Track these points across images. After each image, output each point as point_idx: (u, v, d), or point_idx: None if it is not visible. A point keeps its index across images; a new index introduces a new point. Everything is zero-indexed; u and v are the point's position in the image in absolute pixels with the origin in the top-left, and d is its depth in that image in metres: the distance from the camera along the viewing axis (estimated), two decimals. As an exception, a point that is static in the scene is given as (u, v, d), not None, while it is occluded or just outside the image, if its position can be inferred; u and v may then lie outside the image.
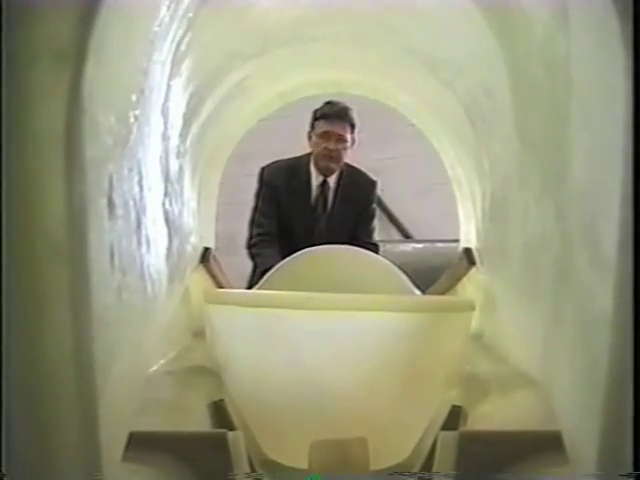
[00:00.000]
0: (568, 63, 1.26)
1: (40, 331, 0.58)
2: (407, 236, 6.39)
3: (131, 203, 1.35)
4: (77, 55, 0.62)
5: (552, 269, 1.39)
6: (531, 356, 1.70)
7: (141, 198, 1.45)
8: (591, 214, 1.09)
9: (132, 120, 1.35)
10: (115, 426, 1.24)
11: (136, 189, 1.40)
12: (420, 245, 5.66)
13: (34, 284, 0.59)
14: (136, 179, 1.40)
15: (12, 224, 0.58)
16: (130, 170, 1.34)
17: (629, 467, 0.75)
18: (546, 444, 1.37)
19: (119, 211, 1.18)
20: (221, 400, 2.12)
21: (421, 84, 2.53)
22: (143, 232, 1.48)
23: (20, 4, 0.58)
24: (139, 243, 1.44)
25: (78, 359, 0.61)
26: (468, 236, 2.59)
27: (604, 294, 0.95)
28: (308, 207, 3.81)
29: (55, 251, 0.59)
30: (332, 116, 3.64)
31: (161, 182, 1.84)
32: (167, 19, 1.57)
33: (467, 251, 2.52)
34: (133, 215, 1.37)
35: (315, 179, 3.80)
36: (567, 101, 1.28)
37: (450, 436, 1.54)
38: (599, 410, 0.99)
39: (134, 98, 1.38)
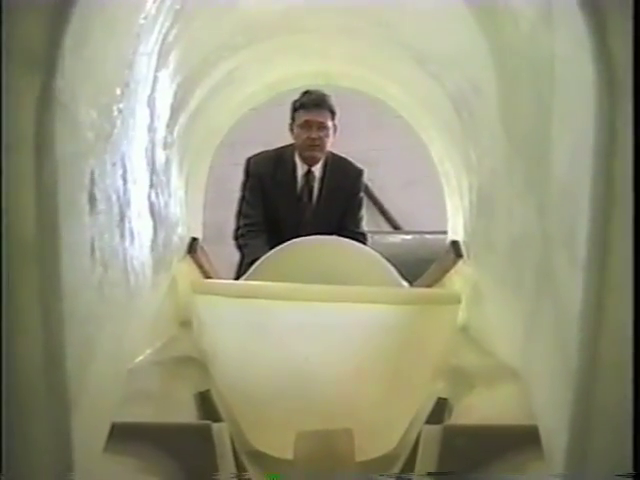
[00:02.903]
0: (551, 62, 1.26)
1: (10, 331, 0.59)
2: (396, 227, 6.39)
3: (114, 197, 1.34)
4: (49, 54, 0.62)
5: (534, 266, 1.40)
6: (513, 350, 1.71)
7: (125, 191, 1.45)
8: (571, 215, 1.10)
9: (116, 114, 1.35)
10: (96, 419, 1.24)
11: (120, 182, 1.40)
12: (409, 236, 5.65)
13: (4, 285, 0.59)
14: (120, 172, 1.40)
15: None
16: (114, 164, 1.34)
17: (603, 464, 0.75)
18: (527, 438, 1.38)
19: (101, 206, 1.18)
20: (207, 390, 2.12)
21: (409, 77, 2.53)
22: (127, 225, 1.48)
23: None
24: (122, 236, 1.44)
25: (49, 358, 0.61)
26: (455, 228, 2.60)
27: (579, 293, 0.96)
28: (294, 197, 3.82)
29: (26, 252, 0.59)
30: (310, 105, 3.65)
31: (147, 174, 1.83)
32: (153, 11, 1.56)
33: (454, 244, 2.53)
34: (116, 209, 1.37)
35: (300, 169, 3.80)
36: (550, 100, 1.28)
37: (433, 430, 1.55)
38: (569, 405, 1.00)
39: (119, 91, 1.38)
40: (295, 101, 3.72)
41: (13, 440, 0.59)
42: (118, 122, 1.36)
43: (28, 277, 0.60)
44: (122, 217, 1.43)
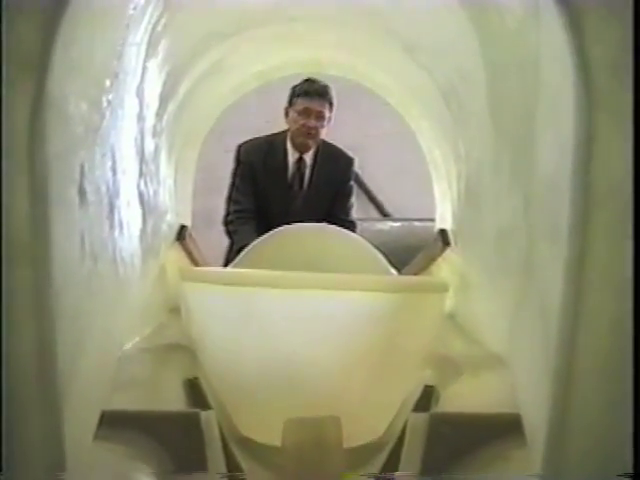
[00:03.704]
0: (537, 58, 1.28)
1: (2, 326, 0.60)
2: (385, 214, 6.38)
3: (104, 188, 1.35)
4: (42, 55, 0.63)
5: (520, 257, 1.41)
6: (499, 338, 1.73)
7: (114, 182, 1.45)
8: (554, 208, 1.11)
9: (105, 105, 1.35)
10: (86, 409, 1.25)
11: (109, 174, 1.40)
12: (397, 224, 5.65)
13: None
14: (109, 164, 1.41)
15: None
16: (103, 155, 1.34)
17: (583, 456, 0.77)
18: (511, 426, 1.40)
19: (90, 198, 1.18)
20: (196, 377, 2.13)
21: (399, 66, 2.54)
22: (116, 216, 1.49)
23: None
24: (112, 227, 1.45)
25: (41, 353, 0.62)
26: (443, 216, 2.61)
27: (560, 286, 0.98)
28: (285, 184, 3.82)
29: (18, 249, 0.60)
30: (313, 93, 3.64)
31: (136, 164, 1.84)
32: (142, 1, 1.56)
33: (442, 232, 2.54)
34: (106, 200, 1.38)
35: (291, 156, 3.80)
36: (535, 95, 1.29)
37: (420, 418, 1.56)
38: (550, 396, 1.02)
39: (108, 83, 1.38)
40: (295, 87, 3.70)
41: (8, 435, 0.61)
42: (107, 113, 1.37)
43: (20, 273, 0.61)
44: (112, 208, 1.44)
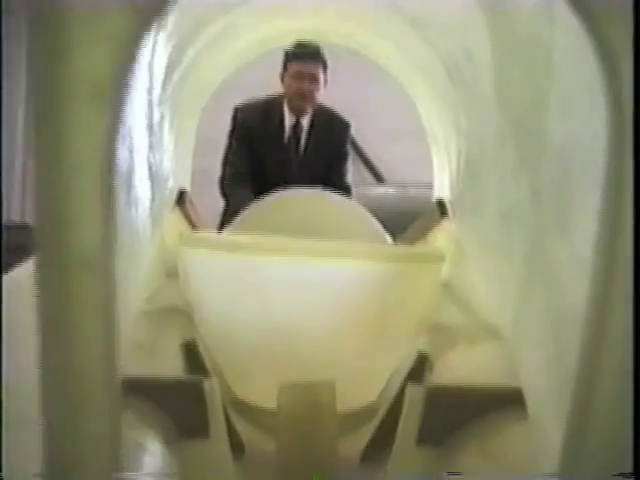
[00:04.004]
0: (551, 47, 1.29)
1: (70, 337, 0.63)
2: (380, 179, 6.36)
3: (124, 169, 1.37)
4: (118, 90, 0.64)
5: (526, 242, 1.44)
6: (500, 311, 1.75)
7: (131, 160, 1.47)
8: (566, 200, 1.14)
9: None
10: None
11: (127, 154, 1.42)
12: (392, 189, 5.66)
13: (66, 296, 0.63)
14: (127, 144, 1.42)
15: (46, 239, 0.62)
16: (123, 139, 1.36)
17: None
18: (508, 399, 1.44)
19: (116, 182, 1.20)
20: (194, 340, 2.17)
21: (402, 38, 2.53)
22: (132, 194, 1.51)
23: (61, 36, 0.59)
24: (128, 205, 1.47)
25: (106, 362, 0.66)
26: (442, 188, 2.64)
27: (576, 286, 1.01)
28: (281, 148, 3.83)
29: (87, 263, 0.62)
30: (305, 56, 3.63)
31: (146, 137, 1.85)
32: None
33: (440, 203, 2.57)
34: (124, 179, 1.40)
35: (288, 120, 3.81)
36: (547, 84, 1.31)
37: (418, 390, 1.60)
38: (565, 374, 1.06)
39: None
40: (288, 51, 3.70)
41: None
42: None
43: (89, 288, 0.63)
44: (129, 188, 1.46)
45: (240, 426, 1.97)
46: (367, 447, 2.03)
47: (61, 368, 0.63)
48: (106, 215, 0.61)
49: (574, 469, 0.70)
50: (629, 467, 0.70)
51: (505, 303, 1.67)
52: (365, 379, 2.29)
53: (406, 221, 3.51)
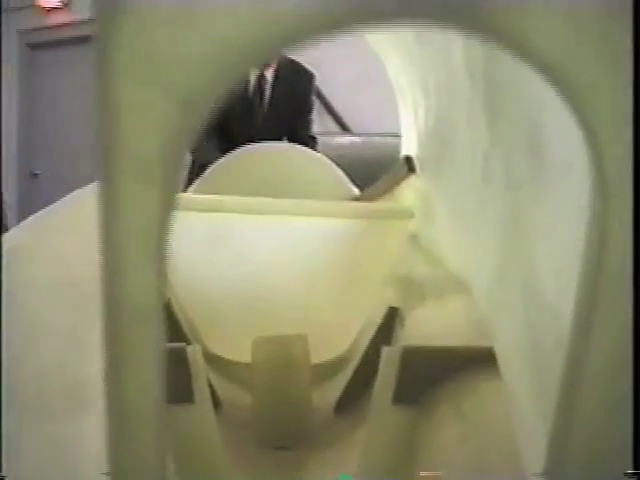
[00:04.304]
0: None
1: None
2: (345, 129, 6.33)
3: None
4: (170, 170, 0.61)
5: (500, 216, 1.43)
6: (470, 268, 1.76)
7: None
8: (541, 162, 1.14)
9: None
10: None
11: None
12: (357, 138, 5.63)
13: (120, 346, 0.64)
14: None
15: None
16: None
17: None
18: (483, 359, 1.46)
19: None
20: (168, 300, 2.19)
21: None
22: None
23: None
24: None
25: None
26: (409, 144, 2.65)
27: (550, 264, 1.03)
28: (246, 101, 3.82)
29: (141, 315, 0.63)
30: None
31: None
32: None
33: (407, 159, 2.59)
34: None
35: (252, 72, 3.80)
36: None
37: (393, 351, 1.64)
38: (537, 334, 1.08)
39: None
40: None
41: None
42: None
43: (142, 337, 0.65)
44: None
45: (215, 380, 2.01)
46: (341, 398, 2.09)
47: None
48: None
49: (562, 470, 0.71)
50: (621, 452, 0.69)
51: (476, 261, 1.69)
52: (336, 332, 2.35)
53: (370, 170, 3.48)
